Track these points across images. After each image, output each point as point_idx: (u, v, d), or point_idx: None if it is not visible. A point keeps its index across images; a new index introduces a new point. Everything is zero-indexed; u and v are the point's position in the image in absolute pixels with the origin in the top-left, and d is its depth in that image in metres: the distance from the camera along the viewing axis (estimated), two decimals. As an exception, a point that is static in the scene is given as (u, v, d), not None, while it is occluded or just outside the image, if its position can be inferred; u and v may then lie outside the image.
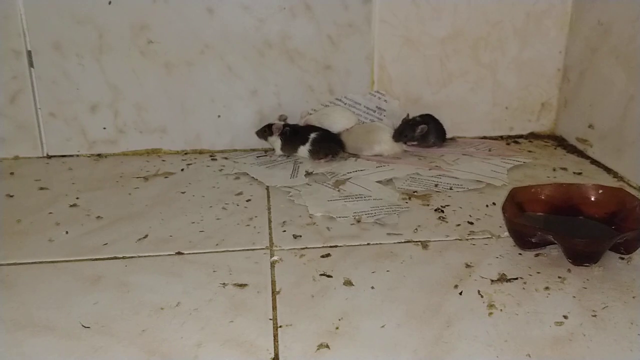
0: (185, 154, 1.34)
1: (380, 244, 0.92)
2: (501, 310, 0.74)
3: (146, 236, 0.94)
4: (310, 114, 1.34)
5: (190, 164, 1.28)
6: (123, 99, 1.28)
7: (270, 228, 0.97)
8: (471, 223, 0.99)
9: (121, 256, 0.88)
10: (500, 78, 1.38)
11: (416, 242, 0.93)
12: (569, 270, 0.83)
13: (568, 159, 1.30)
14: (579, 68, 1.33)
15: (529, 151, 1.35)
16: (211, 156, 1.33)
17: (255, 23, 1.27)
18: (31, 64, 1.24)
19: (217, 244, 0.91)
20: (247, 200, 1.08)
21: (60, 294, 0.78)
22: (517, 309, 0.74)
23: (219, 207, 1.05)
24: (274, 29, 1.28)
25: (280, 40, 1.29)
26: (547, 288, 0.79)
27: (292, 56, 1.30)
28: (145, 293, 0.78)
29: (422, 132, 1.30)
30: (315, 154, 1.26)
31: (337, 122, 1.31)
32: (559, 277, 0.82)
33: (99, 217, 1.01)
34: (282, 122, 1.28)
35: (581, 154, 1.32)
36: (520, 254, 0.89)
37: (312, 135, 1.26)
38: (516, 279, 0.82)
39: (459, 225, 0.98)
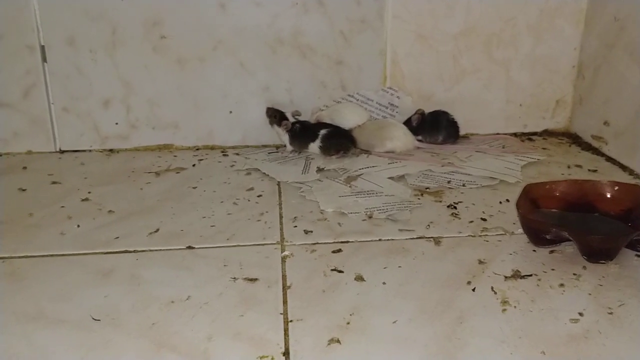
0: (197, 149, 1.34)
1: (392, 239, 0.91)
2: (515, 307, 0.73)
3: (157, 230, 0.94)
4: (322, 110, 1.33)
5: (202, 159, 1.28)
6: (135, 94, 1.28)
7: (281, 223, 0.97)
8: (484, 220, 0.98)
9: (132, 250, 0.88)
10: (513, 75, 1.37)
11: (428, 238, 0.92)
12: (584, 268, 0.82)
13: (583, 156, 1.29)
14: (593, 65, 1.31)
15: (543, 148, 1.33)
16: (223, 152, 1.32)
17: (268, 19, 1.26)
18: (44, 59, 1.24)
19: (227, 239, 0.91)
20: (258, 196, 1.08)
21: (71, 287, 0.78)
22: (531, 305, 0.73)
23: (230, 202, 1.05)
24: (286, 24, 1.27)
25: (292, 36, 1.28)
26: (561, 285, 0.78)
27: (304, 52, 1.30)
28: (156, 286, 0.78)
29: (417, 121, 1.29)
30: (327, 150, 1.25)
31: (349, 118, 1.30)
32: (574, 274, 0.80)
33: (110, 211, 1.01)
34: (294, 120, 1.27)
35: (596, 151, 1.30)
36: (534, 250, 0.87)
37: (322, 132, 1.25)
38: (530, 275, 0.81)
39: (471, 221, 0.97)
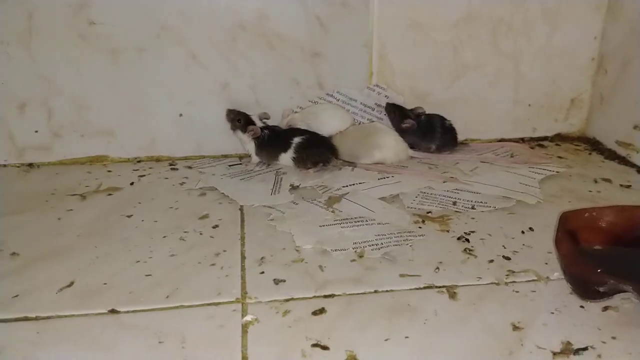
0: (138, 162, 1.08)
1: (392, 290, 0.68)
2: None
3: (71, 284, 0.69)
4: (296, 112, 1.09)
5: (143, 175, 1.02)
6: (59, 94, 1.03)
7: (243, 269, 0.73)
8: (507, 258, 0.75)
9: (33, 316, 0.63)
10: (524, 69, 1.14)
11: (440, 287, 0.69)
12: (658, 335, 0.60)
13: (608, 167, 1.07)
14: (620, 57, 1.09)
15: (559, 157, 1.12)
16: (171, 165, 1.07)
17: (226, 0, 1.02)
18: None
19: (167, 296, 0.66)
20: (213, 227, 0.83)
21: None
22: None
23: (176, 237, 0.80)
24: (249, 7, 1.03)
25: (257, 21, 1.04)
26: (636, 366, 0.56)
27: (271, 41, 1.05)
28: (54, 385, 0.53)
29: (409, 127, 1.07)
30: (302, 162, 1.02)
31: (328, 122, 1.07)
32: (648, 347, 0.58)
33: (14, 253, 0.76)
34: (262, 124, 1.03)
35: (623, 160, 1.09)
36: (582, 306, 0.65)
37: (296, 140, 1.01)
38: (586, 348, 0.59)
39: (491, 261, 0.75)
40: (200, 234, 0.82)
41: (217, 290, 0.68)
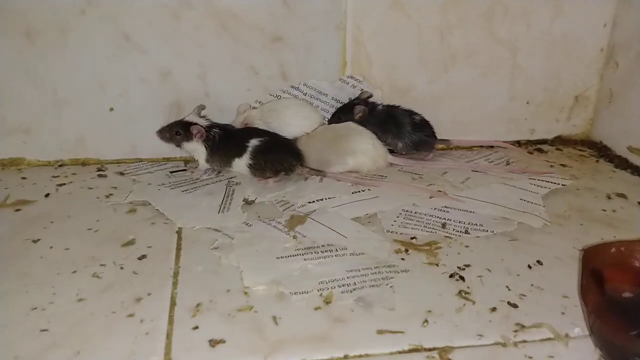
0: (61, 166, 0.90)
1: (368, 356, 0.51)
2: None
3: None
4: (254, 108, 0.91)
5: (63, 184, 0.84)
6: (-41, 83, 0.83)
7: (171, 321, 0.55)
8: (513, 305, 0.59)
9: None
10: (522, 60, 0.98)
11: (429, 350, 0.53)
12: None
13: (621, 178, 0.92)
14: (634, 48, 0.94)
15: (562, 165, 0.96)
16: (99, 170, 0.89)
17: (167, -31, 0.83)
18: None
19: (62, 368, 0.49)
20: (139, 258, 0.66)
21: None
22: None
23: (89, 272, 0.63)
24: (195, -22, 0.84)
25: (205, -3, 0.85)
26: None
27: (224, 22, 0.87)
28: None
29: (360, 114, 0.90)
30: (259, 170, 0.84)
31: (292, 122, 0.90)
32: None
33: None
34: (206, 122, 0.85)
35: (637, 170, 0.93)
36: (616, 381, 0.49)
37: (253, 143, 0.84)
38: None
39: (494, 309, 0.58)
40: (121, 268, 0.64)
41: (130, 355, 0.50)
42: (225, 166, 0.87)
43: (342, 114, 0.92)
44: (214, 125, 0.85)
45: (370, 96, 0.93)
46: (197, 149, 0.85)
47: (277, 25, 0.89)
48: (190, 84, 0.90)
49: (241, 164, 0.85)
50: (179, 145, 0.85)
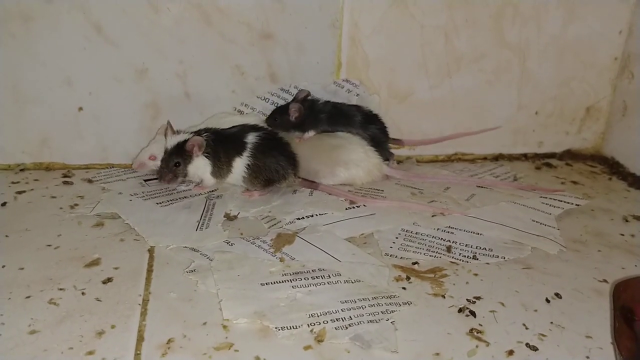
0: (22, 170, 0.82)
1: (367, 413, 0.43)
2: None
3: None
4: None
5: (23, 191, 0.75)
6: None
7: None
8: (533, 348, 0.52)
9: None
10: (531, 66, 0.91)
11: (439, 406, 0.44)
12: None
13: (635, 198, 0.84)
14: (654, 57, 0.87)
15: (573, 182, 0.88)
16: (65, 176, 0.81)
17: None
18: None
19: None
20: (104, 282, 0.57)
21: None
22: None
23: (45, 297, 0.55)
24: (177, -34, 0.76)
25: (188, -13, 0.77)
26: None
27: (209, 15, 0.79)
28: None
29: (297, 114, 0.80)
30: (255, 173, 0.76)
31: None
32: None
33: None
34: (190, 132, 0.76)
35: (653, 190, 0.86)
36: None
37: (252, 139, 0.76)
38: None
39: (511, 353, 0.51)
40: (83, 293, 0.55)
41: (83, 411, 0.42)
42: (228, 172, 0.76)
43: (278, 115, 0.82)
44: (198, 131, 0.76)
45: (308, 94, 0.83)
46: (200, 164, 0.75)
47: (267, 20, 0.81)
48: (168, 83, 0.81)
49: (240, 166, 0.75)
50: (184, 177, 0.75)
